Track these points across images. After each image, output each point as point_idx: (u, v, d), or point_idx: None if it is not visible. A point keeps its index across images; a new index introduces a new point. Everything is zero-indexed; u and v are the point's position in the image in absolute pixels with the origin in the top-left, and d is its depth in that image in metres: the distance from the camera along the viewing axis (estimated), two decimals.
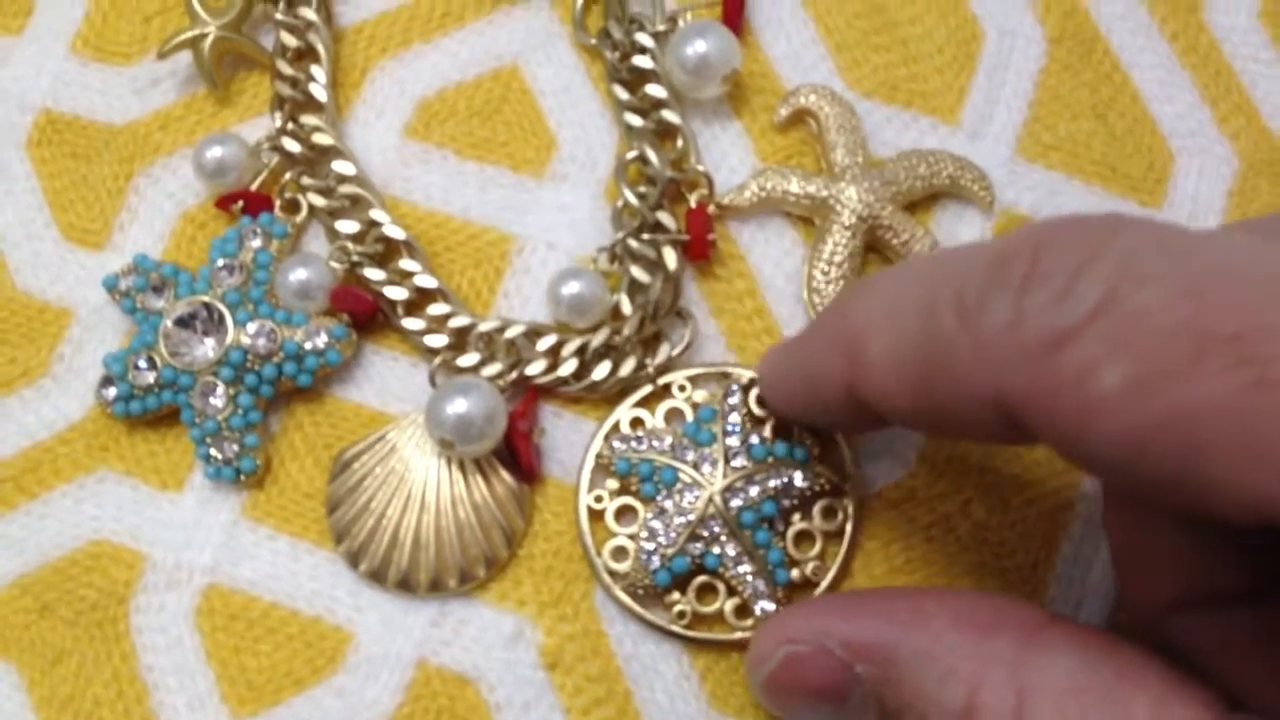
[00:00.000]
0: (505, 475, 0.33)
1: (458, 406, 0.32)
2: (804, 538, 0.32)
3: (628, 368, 0.33)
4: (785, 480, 0.31)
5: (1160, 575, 0.26)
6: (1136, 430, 0.20)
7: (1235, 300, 0.20)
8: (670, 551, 0.31)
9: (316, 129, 0.35)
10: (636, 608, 0.32)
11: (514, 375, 0.33)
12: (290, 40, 0.36)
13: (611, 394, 0.33)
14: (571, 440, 0.33)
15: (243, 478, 0.33)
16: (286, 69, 0.36)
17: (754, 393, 0.33)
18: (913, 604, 0.27)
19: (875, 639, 0.26)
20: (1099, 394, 0.21)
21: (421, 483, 0.33)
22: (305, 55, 0.36)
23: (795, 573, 0.31)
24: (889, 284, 0.26)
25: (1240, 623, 0.25)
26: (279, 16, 0.36)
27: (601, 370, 0.33)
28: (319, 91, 0.35)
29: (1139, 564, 0.27)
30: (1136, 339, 0.20)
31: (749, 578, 0.31)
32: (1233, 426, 0.19)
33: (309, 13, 0.36)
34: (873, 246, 0.35)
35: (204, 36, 0.36)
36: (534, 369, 0.33)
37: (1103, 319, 0.21)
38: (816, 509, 0.32)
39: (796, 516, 0.32)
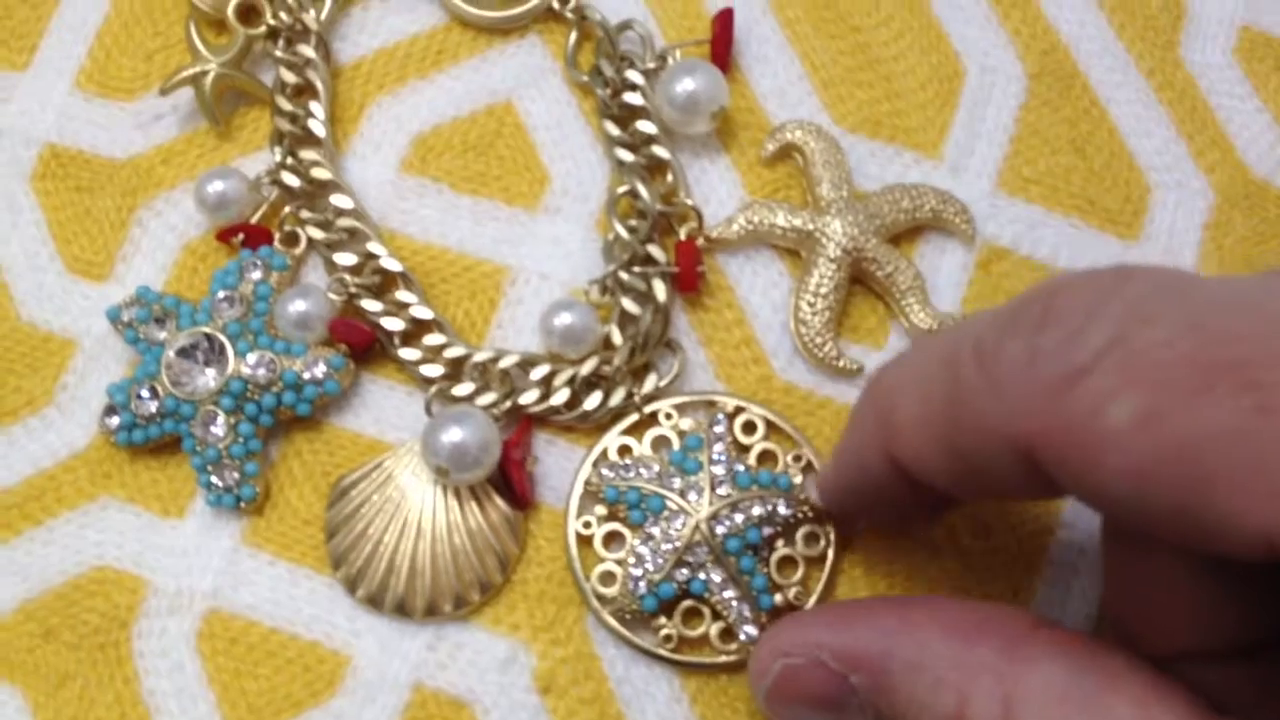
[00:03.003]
0: (499, 502, 0.33)
1: (453, 435, 0.32)
2: (787, 563, 0.33)
3: (618, 397, 0.34)
4: (769, 508, 0.32)
5: (1159, 630, 0.26)
6: (1147, 462, 0.21)
7: (1238, 331, 0.21)
8: (657, 578, 0.32)
9: (315, 164, 0.36)
10: (624, 631, 0.32)
11: (508, 404, 0.34)
12: (289, 77, 0.37)
13: (603, 422, 0.34)
14: (564, 468, 0.34)
15: (243, 505, 0.34)
16: (286, 105, 0.36)
17: (739, 420, 0.34)
18: (900, 613, 0.27)
19: (864, 650, 0.27)
20: (1110, 427, 0.21)
21: (418, 509, 0.33)
22: (304, 92, 0.37)
23: (779, 597, 0.32)
24: (917, 347, 0.27)
25: (1242, 676, 0.25)
26: (278, 54, 0.37)
27: (593, 400, 0.34)
28: (317, 127, 0.36)
29: (1137, 619, 0.27)
30: (1145, 373, 0.21)
31: (733, 603, 0.32)
32: (1238, 452, 0.20)
33: (308, 50, 0.37)
34: (857, 278, 0.35)
35: (205, 73, 0.36)
36: (527, 398, 0.34)
37: (1112, 355, 0.21)
38: (799, 535, 0.33)
39: (780, 543, 0.33)
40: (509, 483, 0.33)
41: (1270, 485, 0.19)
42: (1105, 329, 0.22)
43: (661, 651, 0.32)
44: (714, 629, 0.32)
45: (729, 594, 0.32)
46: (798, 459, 0.33)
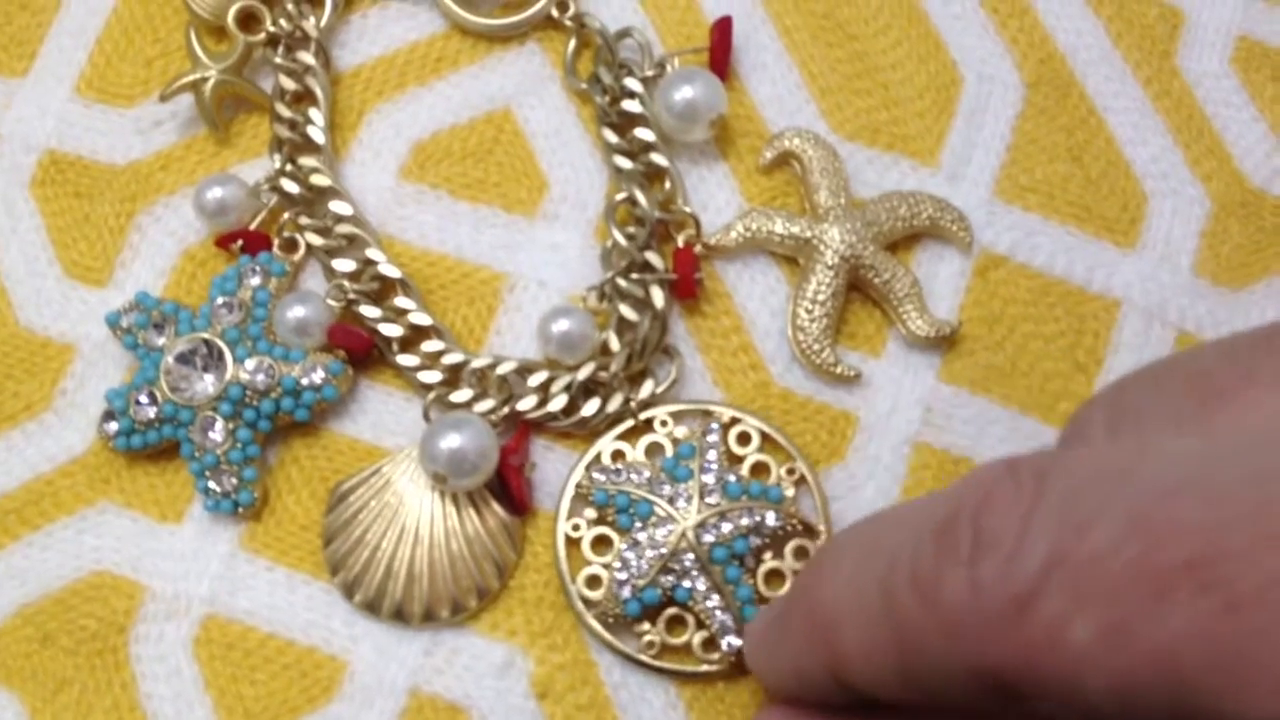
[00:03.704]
0: (497, 508, 0.33)
1: (451, 441, 0.32)
2: (774, 576, 0.33)
3: (615, 403, 0.34)
4: (758, 519, 0.32)
5: None
6: (1122, 677, 0.20)
7: (1183, 523, 0.20)
8: (642, 583, 0.32)
9: (314, 170, 0.36)
10: (606, 635, 0.32)
11: (506, 411, 0.34)
12: (289, 84, 0.37)
13: (600, 429, 0.34)
14: (561, 474, 0.34)
15: (240, 510, 0.34)
16: (285, 112, 0.36)
17: (734, 431, 0.34)
18: None
19: None
20: (1076, 649, 0.20)
21: (415, 515, 0.33)
22: (304, 98, 0.37)
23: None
24: (850, 558, 0.25)
25: None
26: (278, 61, 0.37)
27: (590, 406, 0.34)
28: (317, 134, 0.36)
29: None
30: (1095, 587, 0.20)
31: (717, 612, 0.32)
32: (1213, 656, 0.19)
33: (307, 57, 0.37)
34: (855, 286, 0.35)
35: (205, 80, 0.36)
36: (525, 404, 0.34)
37: (1057, 574, 0.20)
38: (789, 549, 0.33)
39: (768, 555, 0.33)
40: (506, 489, 0.33)
41: (1254, 683, 0.19)
42: (1041, 545, 0.21)
43: (643, 658, 0.32)
44: (697, 638, 0.32)
45: (713, 603, 0.32)
46: (791, 472, 0.33)
